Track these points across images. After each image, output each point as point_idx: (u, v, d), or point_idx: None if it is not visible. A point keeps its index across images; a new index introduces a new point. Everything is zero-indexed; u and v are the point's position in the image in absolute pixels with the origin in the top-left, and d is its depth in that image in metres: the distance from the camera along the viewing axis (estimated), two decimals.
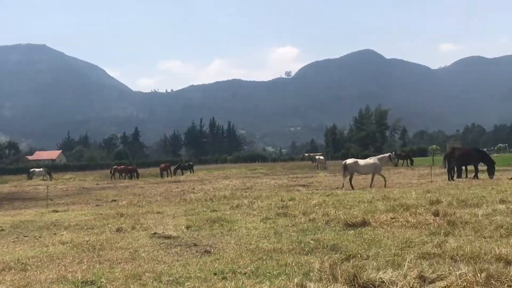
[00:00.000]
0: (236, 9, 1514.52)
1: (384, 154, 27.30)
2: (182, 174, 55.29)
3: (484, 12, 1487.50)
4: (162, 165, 57.18)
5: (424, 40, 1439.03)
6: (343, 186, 23.76)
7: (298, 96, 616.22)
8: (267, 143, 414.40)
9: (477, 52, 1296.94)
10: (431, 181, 25.67)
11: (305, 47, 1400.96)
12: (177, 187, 29.54)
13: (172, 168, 57.79)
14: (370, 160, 25.55)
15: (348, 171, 24.61)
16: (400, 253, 7.80)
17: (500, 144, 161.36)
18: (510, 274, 6.01)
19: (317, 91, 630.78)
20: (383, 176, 24.97)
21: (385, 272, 6.23)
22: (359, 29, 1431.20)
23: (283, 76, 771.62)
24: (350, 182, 24.33)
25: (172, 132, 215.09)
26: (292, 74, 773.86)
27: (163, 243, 10.12)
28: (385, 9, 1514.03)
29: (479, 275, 5.94)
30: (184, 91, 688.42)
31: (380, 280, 5.96)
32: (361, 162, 25.33)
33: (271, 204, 15.89)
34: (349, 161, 25.41)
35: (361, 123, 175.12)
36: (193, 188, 27.54)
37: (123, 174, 54.81)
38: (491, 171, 27.44)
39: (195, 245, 9.80)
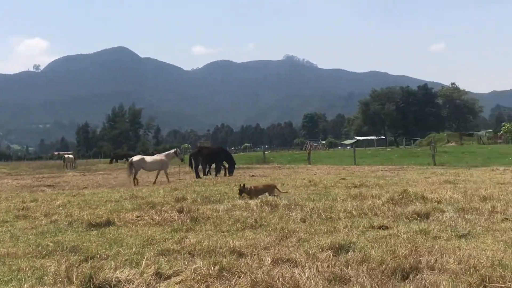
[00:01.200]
0: None
1: (170, 151, 27.54)
2: None
3: (233, 19, 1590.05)
4: None
5: (178, 42, 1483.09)
6: (136, 184, 23.23)
7: (48, 91, 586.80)
8: (13, 141, 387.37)
9: (226, 56, 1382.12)
10: (180, 179, 26.45)
11: (56, 40, 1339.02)
12: None
13: None
14: (157, 157, 25.69)
15: (135, 168, 24.20)
16: (140, 251, 7.80)
17: (246, 144, 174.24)
18: (241, 266, 6.39)
19: (68, 86, 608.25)
20: (167, 175, 25.16)
21: (122, 271, 6.18)
22: (113, 26, 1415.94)
23: (31, 69, 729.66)
24: (135, 179, 24.03)
25: None
26: (42, 67, 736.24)
27: None
28: (139, 8, 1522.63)
29: (212, 268, 6.21)
30: None
31: (116, 279, 5.89)
32: (148, 159, 25.27)
33: (10, 206, 14.67)
34: (135, 158, 25.14)
35: (115, 121, 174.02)
36: None
37: None
38: (230, 170, 29.68)
39: None
